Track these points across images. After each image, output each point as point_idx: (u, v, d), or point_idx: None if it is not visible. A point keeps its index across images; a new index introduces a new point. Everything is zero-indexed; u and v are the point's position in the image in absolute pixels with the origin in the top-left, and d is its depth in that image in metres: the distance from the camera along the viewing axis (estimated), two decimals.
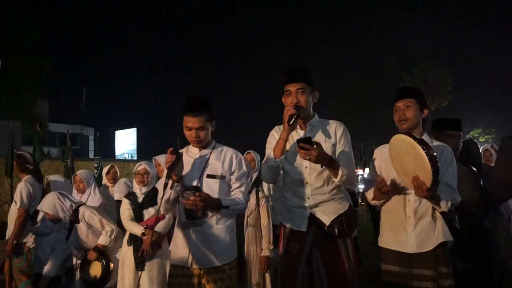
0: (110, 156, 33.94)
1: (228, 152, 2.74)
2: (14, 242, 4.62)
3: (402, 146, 2.44)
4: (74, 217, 3.93)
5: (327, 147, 2.63)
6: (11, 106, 15.77)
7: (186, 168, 2.64)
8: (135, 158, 39.17)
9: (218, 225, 2.62)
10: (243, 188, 2.70)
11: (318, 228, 2.63)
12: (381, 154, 2.81)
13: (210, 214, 2.59)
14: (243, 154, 4.91)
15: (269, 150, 2.71)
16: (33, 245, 4.61)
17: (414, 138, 2.36)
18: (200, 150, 2.72)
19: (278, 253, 2.86)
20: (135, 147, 43.53)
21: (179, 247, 2.66)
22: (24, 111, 17.32)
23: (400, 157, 2.49)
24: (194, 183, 2.59)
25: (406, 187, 2.57)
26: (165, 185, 2.51)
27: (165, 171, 2.55)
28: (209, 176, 2.64)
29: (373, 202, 2.76)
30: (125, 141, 44.22)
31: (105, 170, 5.54)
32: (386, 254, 2.70)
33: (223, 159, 2.70)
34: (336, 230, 2.59)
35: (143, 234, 3.76)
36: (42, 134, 21.26)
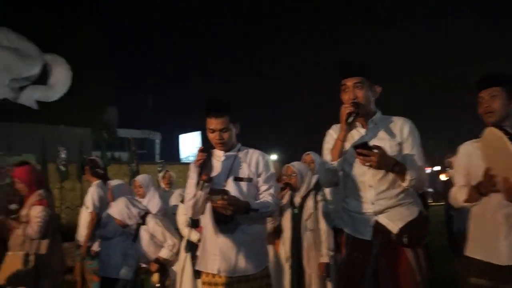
0: (175, 159, 35.06)
1: (254, 154, 2.64)
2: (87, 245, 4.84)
3: (493, 141, 2.14)
4: (142, 222, 3.93)
5: (392, 146, 2.38)
6: (82, 114, 16.67)
7: (212, 171, 2.57)
8: None
9: (247, 230, 2.51)
10: (272, 191, 2.57)
11: (384, 236, 2.37)
12: (467, 150, 2.47)
13: (239, 218, 2.46)
14: (301, 155, 4.80)
15: (326, 152, 2.51)
16: (99, 249, 4.72)
17: (506, 133, 2.05)
18: (225, 153, 2.62)
19: (339, 259, 2.66)
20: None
21: (207, 253, 2.55)
22: (94, 118, 18.26)
23: (491, 154, 2.19)
24: (221, 187, 2.49)
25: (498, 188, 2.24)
26: (197, 184, 2.45)
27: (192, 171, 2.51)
28: (236, 179, 2.54)
29: (464, 205, 2.42)
30: (190, 144, 45.43)
31: (161, 174, 5.61)
32: (474, 265, 2.36)
33: (249, 161, 2.60)
34: (405, 239, 2.32)
35: (200, 240, 3.68)
36: (111, 140, 22.35)
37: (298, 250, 3.65)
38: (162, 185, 5.53)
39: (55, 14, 16.38)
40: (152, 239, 3.87)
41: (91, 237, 4.84)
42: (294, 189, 3.83)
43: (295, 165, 3.88)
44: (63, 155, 8.17)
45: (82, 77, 13.23)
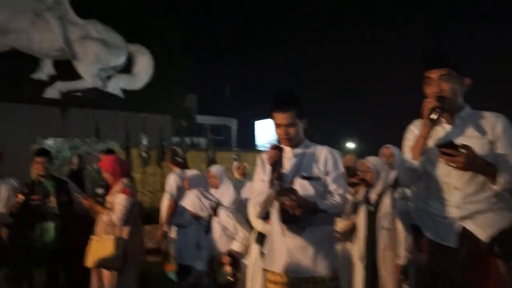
0: (251, 146, 35.58)
1: (322, 151, 2.53)
2: (164, 229, 5.09)
3: None
4: (214, 214, 3.99)
5: (482, 145, 2.13)
6: (163, 102, 17.37)
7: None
8: None
9: (315, 231, 2.43)
10: (341, 190, 2.47)
11: (471, 244, 2.14)
12: None
13: (306, 218, 2.37)
14: (379, 148, 4.58)
15: (407, 149, 2.33)
16: (175, 236, 4.90)
17: None
18: (292, 149, 2.55)
19: (419, 262, 2.48)
20: (275, 136, 44.51)
21: (274, 252, 2.52)
22: (174, 105, 18.94)
23: None
24: (288, 185, 2.43)
25: None
26: (270, 182, 2.40)
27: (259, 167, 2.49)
28: (303, 177, 2.46)
29: None
30: (266, 131, 45.70)
31: (235, 164, 5.66)
32: None
33: (317, 159, 2.51)
34: (496, 249, 2.09)
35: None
36: (190, 126, 23.12)
37: (373, 250, 3.49)
38: (236, 175, 5.58)
39: (137, 5, 17.11)
40: (224, 231, 3.90)
41: (168, 222, 5.08)
42: (370, 185, 3.65)
43: (370, 160, 3.70)
44: (144, 142, 8.57)
45: (163, 66, 13.80)
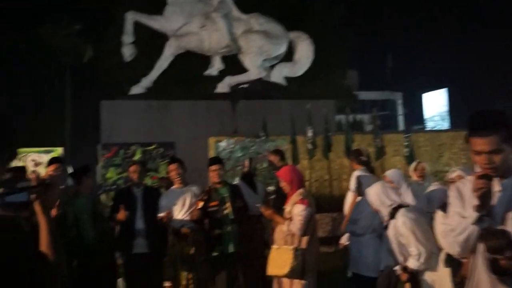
0: (419, 121, 33.13)
1: None
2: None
3: None
4: (392, 215, 3.63)
5: None
6: (325, 84, 17.18)
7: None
8: (446, 122, 37.18)
9: None
10: None
11: None
12: None
13: None
14: None
15: None
16: (348, 243, 4.67)
17: None
18: (500, 180, 2.04)
19: None
20: (445, 108, 40.89)
21: None
22: (336, 86, 18.59)
23: None
24: (498, 224, 2.00)
25: None
26: (477, 219, 2.01)
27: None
28: None
29: None
30: (434, 103, 42.06)
31: (412, 166, 5.12)
32: None
33: None
34: None
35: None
36: (353, 104, 22.51)
37: None
38: (414, 177, 5.03)
39: None
40: (397, 239, 3.52)
41: None
42: None
43: None
44: (310, 133, 8.47)
45: (322, 47, 13.50)
